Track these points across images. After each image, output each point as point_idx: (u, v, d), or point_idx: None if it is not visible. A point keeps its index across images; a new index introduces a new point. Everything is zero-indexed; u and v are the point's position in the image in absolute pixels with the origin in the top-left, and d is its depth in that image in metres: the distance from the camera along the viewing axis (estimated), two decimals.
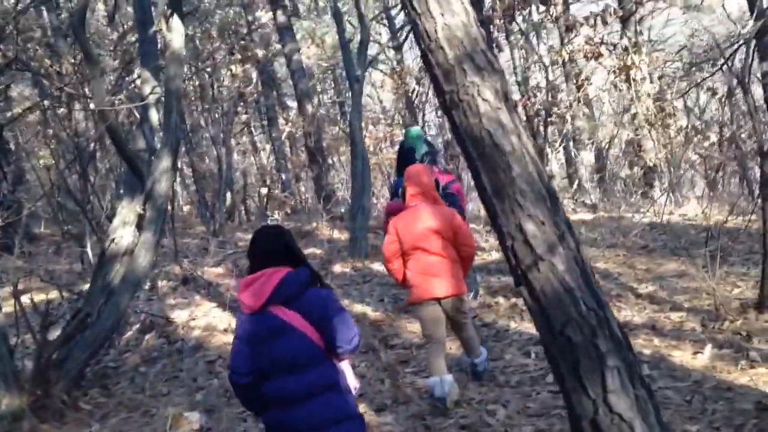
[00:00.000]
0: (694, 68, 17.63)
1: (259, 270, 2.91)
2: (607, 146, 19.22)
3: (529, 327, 5.94)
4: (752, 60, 9.32)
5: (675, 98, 14.54)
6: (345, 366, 3.06)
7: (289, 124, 13.01)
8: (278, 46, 15.28)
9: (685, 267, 6.76)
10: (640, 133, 14.04)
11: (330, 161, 14.82)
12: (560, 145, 15.41)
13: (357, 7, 9.78)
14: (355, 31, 15.60)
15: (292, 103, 18.21)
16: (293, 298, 2.86)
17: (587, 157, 17.10)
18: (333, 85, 21.02)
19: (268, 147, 19.02)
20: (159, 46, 7.43)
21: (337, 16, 10.69)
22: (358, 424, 2.96)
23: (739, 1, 27.02)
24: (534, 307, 3.12)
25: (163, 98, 6.45)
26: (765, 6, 15.60)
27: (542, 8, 13.66)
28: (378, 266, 9.06)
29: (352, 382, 3.08)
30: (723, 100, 17.42)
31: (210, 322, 6.85)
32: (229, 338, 5.42)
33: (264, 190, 16.07)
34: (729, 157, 15.43)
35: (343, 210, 13.24)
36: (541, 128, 13.64)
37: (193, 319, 6.93)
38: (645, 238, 8.66)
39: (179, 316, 7.08)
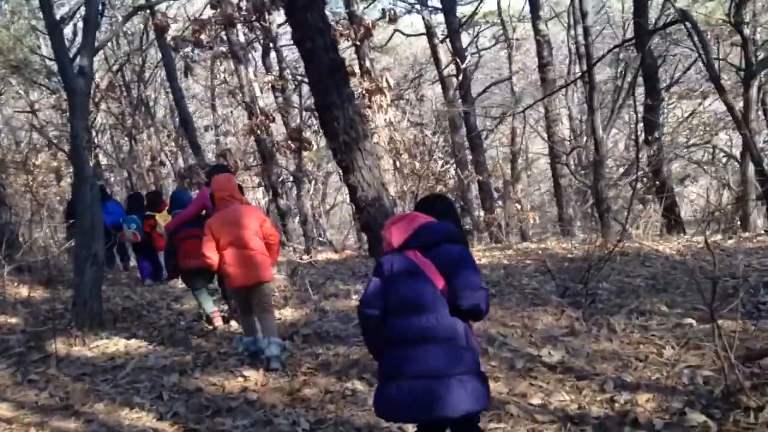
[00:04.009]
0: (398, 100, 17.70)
1: None
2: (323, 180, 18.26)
3: None
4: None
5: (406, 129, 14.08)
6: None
7: None
8: None
9: (561, 319, 5.58)
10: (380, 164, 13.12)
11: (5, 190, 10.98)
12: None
13: None
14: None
15: None
16: (430, 246, 2.95)
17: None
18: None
19: None
20: None
21: None
22: (475, 382, 2.85)
23: (412, 49, 29.21)
24: None
25: None
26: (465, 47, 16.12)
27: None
28: (131, 340, 6.32)
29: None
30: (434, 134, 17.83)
31: None
32: None
33: None
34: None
35: (31, 258, 9.71)
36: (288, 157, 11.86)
37: None
38: None
39: None
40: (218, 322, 6.56)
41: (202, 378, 5.23)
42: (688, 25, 8.27)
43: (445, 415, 2.79)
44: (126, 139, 17.55)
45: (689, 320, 5.08)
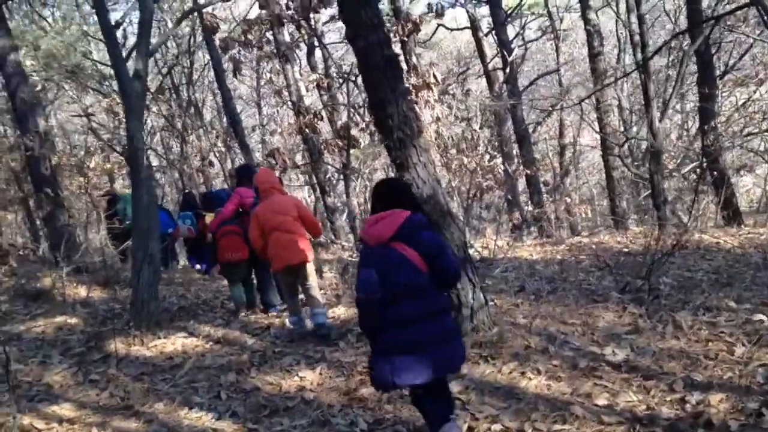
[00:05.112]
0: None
1: (383, 211, 3.53)
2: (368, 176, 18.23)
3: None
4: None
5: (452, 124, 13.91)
6: None
7: None
8: None
9: (624, 316, 5.43)
10: None
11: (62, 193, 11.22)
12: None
13: None
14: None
15: None
16: (411, 237, 3.45)
17: None
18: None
19: None
20: None
21: None
22: (461, 341, 3.65)
23: (456, 43, 28.99)
24: None
25: None
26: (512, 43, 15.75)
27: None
28: (188, 339, 6.38)
29: None
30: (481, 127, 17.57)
31: None
32: None
33: None
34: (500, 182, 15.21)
35: (88, 259, 9.92)
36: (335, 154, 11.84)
37: None
38: (507, 278, 7.31)
39: None
40: (243, 309, 7.36)
41: (259, 377, 5.25)
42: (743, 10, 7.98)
43: (457, 367, 3.61)
44: (176, 140, 17.80)
45: (760, 316, 4.88)
